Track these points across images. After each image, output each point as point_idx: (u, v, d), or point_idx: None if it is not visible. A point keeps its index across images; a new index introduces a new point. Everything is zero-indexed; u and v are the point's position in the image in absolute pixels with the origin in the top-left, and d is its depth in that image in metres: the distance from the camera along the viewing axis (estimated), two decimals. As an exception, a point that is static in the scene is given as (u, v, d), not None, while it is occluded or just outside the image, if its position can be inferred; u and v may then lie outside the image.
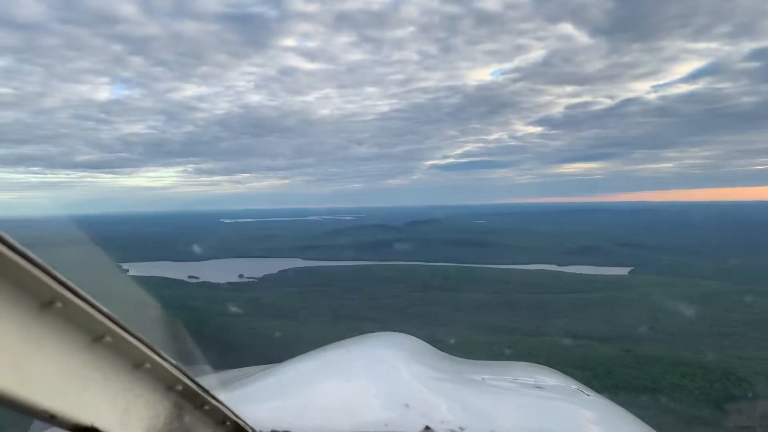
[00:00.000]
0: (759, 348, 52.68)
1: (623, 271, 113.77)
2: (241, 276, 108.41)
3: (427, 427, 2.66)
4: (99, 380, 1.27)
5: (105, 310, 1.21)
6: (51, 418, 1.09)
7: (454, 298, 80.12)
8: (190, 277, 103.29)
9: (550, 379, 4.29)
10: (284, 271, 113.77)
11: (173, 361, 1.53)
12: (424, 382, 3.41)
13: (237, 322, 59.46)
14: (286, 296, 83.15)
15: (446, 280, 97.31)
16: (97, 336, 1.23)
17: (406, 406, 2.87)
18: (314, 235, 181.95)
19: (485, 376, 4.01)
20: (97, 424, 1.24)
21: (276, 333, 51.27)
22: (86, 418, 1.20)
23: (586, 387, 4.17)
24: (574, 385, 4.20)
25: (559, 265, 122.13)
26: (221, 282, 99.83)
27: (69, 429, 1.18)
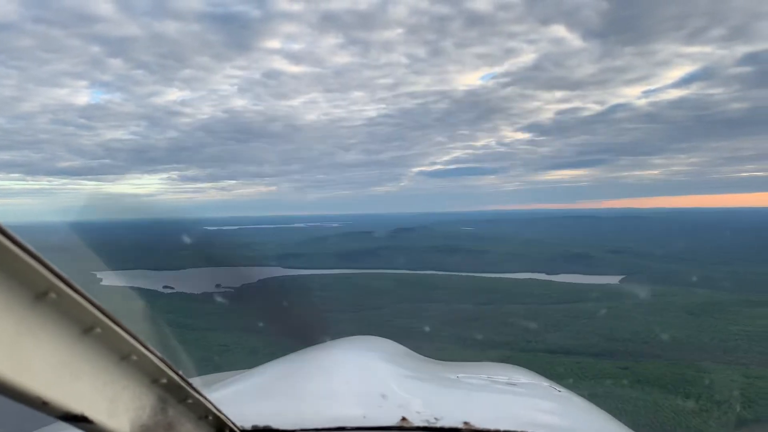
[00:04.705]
0: (764, 364, 49.73)
1: (614, 279, 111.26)
2: (218, 286, 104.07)
3: (404, 418, 2.75)
4: (88, 370, 1.31)
5: (96, 301, 1.26)
6: (43, 405, 1.14)
7: (442, 309, 76.68)
8: (165, 287, 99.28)
9: (523, 377, 4.34)
10: (264, 280, 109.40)
11: (159, 354, 1.58)
12: (399, 378, 3.53)
13: (195, 337, 55.47)
14: (261, 308, 79.19)
15: (433, 290, 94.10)
16: (88, 327, 1.28)
17: (383, 397, 2.97)
18: (298, 242, 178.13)
19: (460, 375, 4.13)
20: (87, 413, 1.28)
21: (232, 347, 47.70)
22: (76, 407, 1.25)
23: (557, 384, 4.19)
24: (546, 382, 4.27)
25: (548, 273, 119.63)
26: (196, 292, 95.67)
27: (59, 416, 1.23)
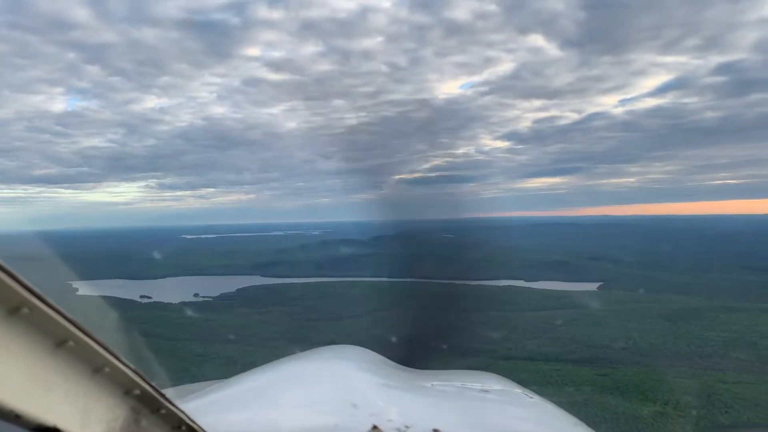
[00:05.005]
0: (741, 370, 50.23)
1: (592, 286, 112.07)
2: (196, 295, 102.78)
3: (375, 426, 2.77)
4: (61, 383, 1.32)
5: (68, 315, 1.28)
6: (16, 418, 1.15)
7: (422, 317, 76.27)
8: (142, 296, 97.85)
9: (497, 384, 4.33)
10: (243, 289, 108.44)
11: (132, 366, 1.59)
12: (372, 387, 3.53)
13: (172, 347, 54.55)
14: (239, 317, 78.19)
15: (414, 298, 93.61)
16: (61, 341, 1.29)
17: (355, 406, 2.97)
18: (277, 250, 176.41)
19: (434, 383, 4.12)
20: (59, 425, 1.30)
21: (209, 357, 47.00)
22: (49, 419, 1.26)
23: (530, 391, 4.19)
24: (518, 389, 4.28)
25: (527, 280, 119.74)
26: (174, 302, 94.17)
27: (32, 429, 1.24)
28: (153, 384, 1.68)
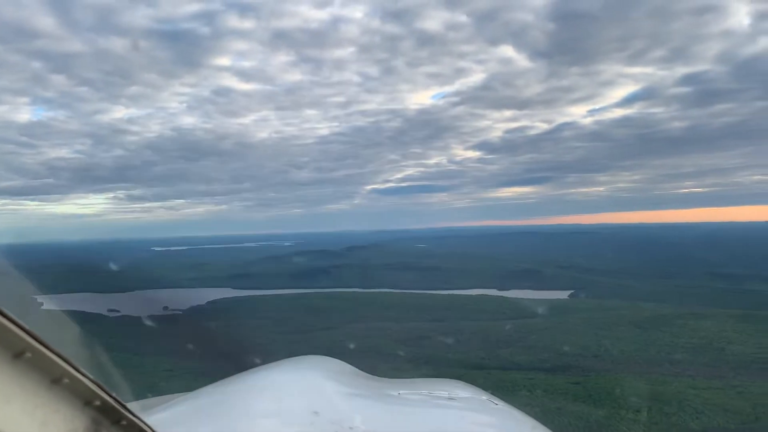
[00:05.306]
0: (710, 376, 50.92)
1: (563, 294, 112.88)
2: (165, 308, 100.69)
3: None
4: (19, 394, 1.32)
5: (26, 326, 1.28)
6: None
7: (395, 328, 75.91)
8: (110, 310, 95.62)
9: (463, 392, 4.38)
10: (213, 302, 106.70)
11: (91, 377, 1.59)
12: (336, 396, 3.53)
13: (140, 361, 53.33)
14: (208, 331, 76.67)
15: (386, 309, 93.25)
16: (18, 352, 1.29)
17: (316, 414, 2.96)
18: (249, 262, 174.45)
19: (401, 391, 4.13)
20: None
21: (178, 372, 45.97)
22: (7, 430, 1.27)
23: (495, 398, 4.23)
24: (484, 396, 4.33)
25: (499, 289, 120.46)
26: (142, 315, 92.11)
27: None
28: (114, 395, 1.65)
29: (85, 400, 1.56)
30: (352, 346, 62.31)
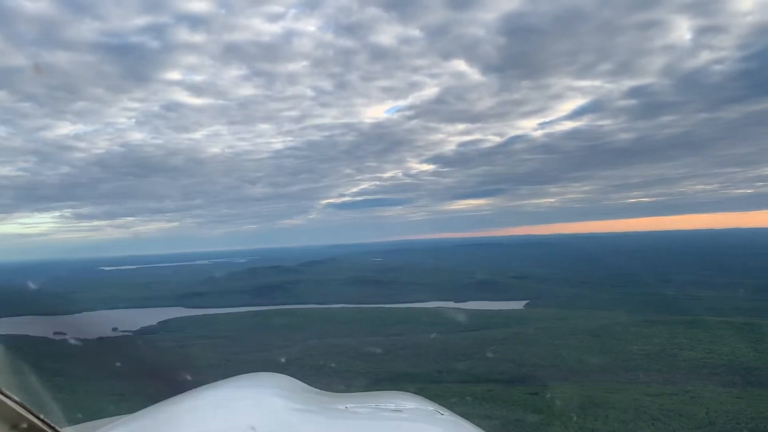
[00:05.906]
0: (663, 382, 51.75)
1: (519, 305, 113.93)
2: (114, 329, 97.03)
3: None
4: None
5: None
6: None
7: (353, 344, 74.85)
8: (56, 333, 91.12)
9: (410, 403, 4.46)
10: (164, 321, 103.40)
11: (17, 399, 1.55)
12: (280, 412, 3.51)
13: (87, 386, 50.85)
14: (159, 352, 74.10)
15: (344, 324, 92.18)
16: None
17: (252, 429, 2.90)
18: (202, 280, 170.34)
19: (348, 405, 4.19)
20: None
21: (129, 395, 43.79)
22: None
23: (442, 408, 4.35)
24: (431, 406, 4.41)
25: (456, 301, 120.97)
26: (90, 337, 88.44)
27: None
28: (42, 417, 1.60)
29: (12, 423, 1.50)
30: (307, 363, 61.01)
